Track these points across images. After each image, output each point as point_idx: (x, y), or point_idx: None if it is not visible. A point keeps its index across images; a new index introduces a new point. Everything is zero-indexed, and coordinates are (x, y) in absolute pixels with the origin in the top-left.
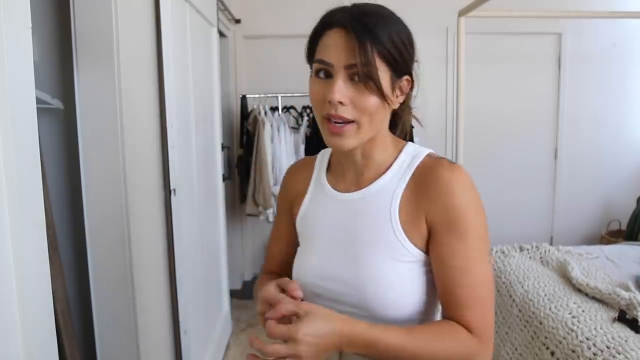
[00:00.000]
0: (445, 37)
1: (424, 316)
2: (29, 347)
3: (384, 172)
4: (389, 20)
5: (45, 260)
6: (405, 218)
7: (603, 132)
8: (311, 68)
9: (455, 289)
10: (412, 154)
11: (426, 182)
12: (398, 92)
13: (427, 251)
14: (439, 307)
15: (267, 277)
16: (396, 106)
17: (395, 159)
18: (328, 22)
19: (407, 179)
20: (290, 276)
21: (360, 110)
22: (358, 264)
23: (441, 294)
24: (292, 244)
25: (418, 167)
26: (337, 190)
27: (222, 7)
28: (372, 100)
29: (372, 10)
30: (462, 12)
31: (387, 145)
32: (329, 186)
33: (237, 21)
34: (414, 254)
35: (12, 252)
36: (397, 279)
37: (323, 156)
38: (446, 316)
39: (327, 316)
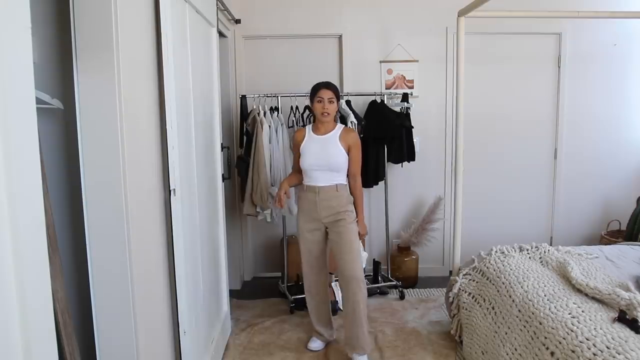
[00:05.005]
0: (445, 37)
1: (340, 169)
2: (28, 346)
3: (332, 130)
4: (335, 86)
5: (45, 260)
6: (341, 142)
7: (603, 132)
8: (313, 101)
9: (354, 164)
10: (339, 126)
11: (347, 134)
12: (336, 105)
13: (347, 153)
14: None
15: (294, 173)
16: (336, 109)
17: (335, 127)
18: (319, 87)
19: (339, 132)
20: (299, 168)
21: (331, 110)
22: (328, 154)
23: (349, 165)
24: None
25: (342, 130)
26: (318, 135)
27: (222, 7)
28: (335, 106)
29: (332, 84)
30: (462, 12)
31: (333, 123)
32: (315, 135)
33: (237, 21)
34: (344, 152)
35: (12, 252)
36: (339, 157)
37: (309, 126)
38: (351, 170)
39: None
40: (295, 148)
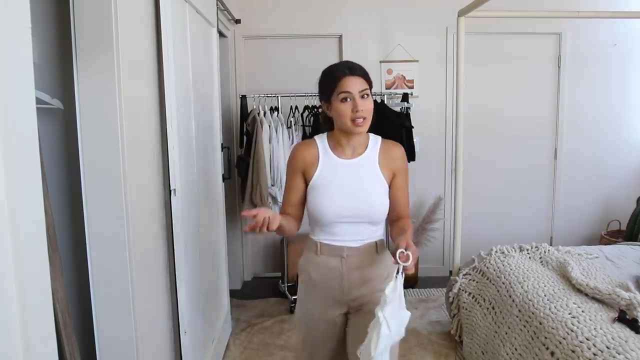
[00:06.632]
0: (445, 37)
1: (384, 216)
2: (28, 346)
3: (366, 149)
4: (363, 69)
5: (45, 260)
6: (382, 169)
7: (603, 132)
8: (329, 101)
9: (402, 199)
10: (375, 139)
11: (390, 152)
12: (372, 102)
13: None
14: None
15: (289, 218)
16: (373, 108)
17: (368, 141)
18: (340, 74)
19: (378, 151)
20: (298, 213)
21: (367, 111)
22: (365, 195)
23: (394, 202)
24: (303, 193)
25: (381, 145)
26: (342, 159)
27: (222, 7)
28: (371, 104)
29: (357, 65)
30: (462, 12)
31: (365, 135)
32: (336, 157)
33: (237, 21)
34: (386, 186)
35: (12, 252)
36: (383, 197)
37: (321, 139)
38: (396, 212)
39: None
40: (296, 174)
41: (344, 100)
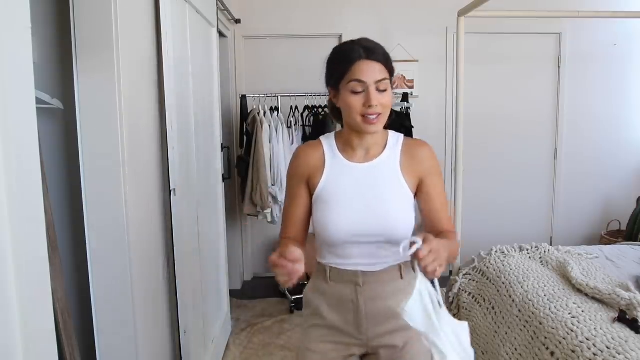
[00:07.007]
0: (445, 37)
1: (409, 235)
2: (28, 347)
3: (383, 149)
4: (383, 50)
5: (45, 260)
6: (404, 174)
7: (603, 132)
8: (337, 88)
9: (439, 208)
10: (395, 137)
11: (415, 153)
12: (391, 92)
13: (414, 194)
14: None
15: (287, 241)
16: (392, 100)
17: (387, 141)
18: (354, 56)
19: (399, 151)
20: (302, 234)
21: (383, 106)
22: (382, 207)
23: (429, 214)
24: (308, 207)
25: (404, 144)
26: (353, 162)
27: (222, 7)
28: (389, 98)
29: (378, 46)
30: (462, 12)
31: (382, 132)
32: (346, 160)
33: (237, 21)
34: (410, 196)
35: (12, 253)
36: (404, 209)
37: (327, 140)
38: (433, 225)
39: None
40: (298, 183)
41: (355, 91)
